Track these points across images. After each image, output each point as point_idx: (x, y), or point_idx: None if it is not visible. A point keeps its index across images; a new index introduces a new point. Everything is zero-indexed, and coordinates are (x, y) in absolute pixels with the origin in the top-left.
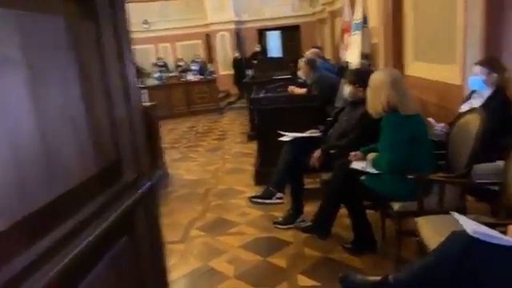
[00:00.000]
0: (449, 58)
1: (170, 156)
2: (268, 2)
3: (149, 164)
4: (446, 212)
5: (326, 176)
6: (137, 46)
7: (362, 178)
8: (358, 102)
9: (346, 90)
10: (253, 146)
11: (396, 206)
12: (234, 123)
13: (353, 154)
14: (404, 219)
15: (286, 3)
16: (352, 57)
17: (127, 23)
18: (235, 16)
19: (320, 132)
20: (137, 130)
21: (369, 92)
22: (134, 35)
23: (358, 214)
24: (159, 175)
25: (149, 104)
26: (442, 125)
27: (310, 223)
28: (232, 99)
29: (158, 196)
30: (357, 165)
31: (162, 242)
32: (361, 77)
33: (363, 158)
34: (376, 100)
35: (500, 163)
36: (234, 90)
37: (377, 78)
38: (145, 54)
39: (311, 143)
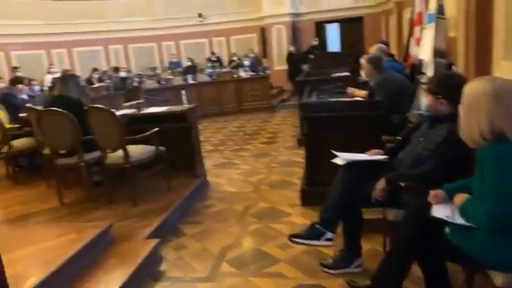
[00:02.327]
0: None
1: (212, 160)
2: None
3: None
4: None
5: (392, 215)
6: (191, 41)
7: (446, 229)
8: (440, 119)
9: (424, 101)
10: (303, 153)
11: (499, 278)
12: (286, 123)
13: (433, 193)
14: None
15: None
16: (424, 54)
17: None
18: (292, 8)
19: (386, 155)
20: None
21: (462, 111)
22: (189, 29)
23: (436, 275)
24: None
25: (186, 107)
26: None
27: (368, 282)
28: (285, 96)
29: None
30: (439, 211)
31: None
32: (445, 84)
33: (448, 201)
34: (472, 123)
35: None
36: (289, 86)
37: (473, 91)
38: (199, 48)
39: (374, 168)
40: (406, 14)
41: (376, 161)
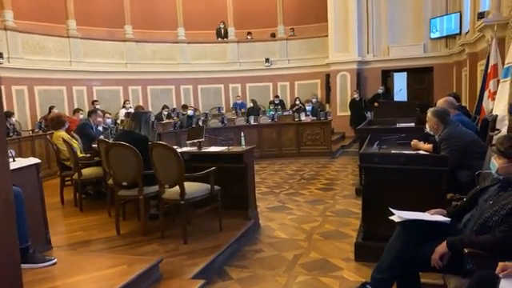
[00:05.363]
0: None
1: (266, 203)
2: (397, 42)
3: None
4: None
5: (454, 283)
6: (256, 84)
7: None
8: None
9: (494, 163)
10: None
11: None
12: (345, 170)
13: (502, 265)
14: None
15: (417, 43)
16: (499, 109)
17: None
18: (358, 56)
19: (449, 216)
20: None
21: None
22: (255, 73)
23: None
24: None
25: (244, 148)
26: None
27: None
28: (346, 143)
29: None
30: (509, 286)
31: None
32: None
33: None
34: None
35: None
36: (350, 133)
37: None
38: (263, 91)
39: (435, 228)
40: (481, 67)
41: (437, 222)
